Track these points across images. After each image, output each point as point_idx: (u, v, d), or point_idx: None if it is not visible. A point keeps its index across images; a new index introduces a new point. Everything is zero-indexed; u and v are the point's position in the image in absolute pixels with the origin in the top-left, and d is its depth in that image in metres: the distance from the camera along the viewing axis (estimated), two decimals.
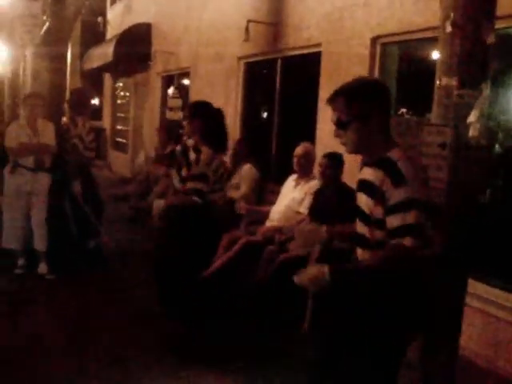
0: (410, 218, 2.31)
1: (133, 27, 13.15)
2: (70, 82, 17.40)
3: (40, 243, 6.05)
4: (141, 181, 9.63)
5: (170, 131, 10.35)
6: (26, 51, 8.78)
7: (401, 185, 2.33)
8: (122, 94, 16.68)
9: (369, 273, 2.44)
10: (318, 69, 6.65)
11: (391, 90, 5.86)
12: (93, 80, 18.31)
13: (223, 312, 5.08)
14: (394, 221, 2.34)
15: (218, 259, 5.79)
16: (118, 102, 16.97)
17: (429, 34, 5.03)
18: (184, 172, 4.72)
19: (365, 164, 2.61)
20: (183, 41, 11.13)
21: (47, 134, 6.04)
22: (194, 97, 10.77)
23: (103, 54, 13.77)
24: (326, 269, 2.42)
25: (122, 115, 16.35)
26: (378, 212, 2.41)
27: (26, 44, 7.83)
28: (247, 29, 7.52)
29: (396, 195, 2.33)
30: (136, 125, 14.66)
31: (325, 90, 6.39)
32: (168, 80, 12.53)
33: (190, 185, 4.61)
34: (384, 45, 5.81)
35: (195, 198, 4.55)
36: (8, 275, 5.92)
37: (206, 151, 4.58)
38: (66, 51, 7.17)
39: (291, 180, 5.95)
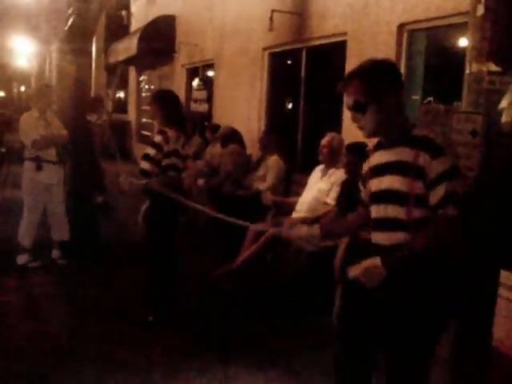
0: (453, 185, 2.35)
1: (157, 20, 13.16)
2: (95, 75, 17.55)
3: (59, 234, 6.32)
4: None
5: (194, 123, 10.40)
6: (51, 46, 8.83)
7: (441, 156, 2.35)
8: (146, 86, 16.74)
9: (423, 255, 2.41)
10: (344, 58, 6.57)
11: (419, 79, 5.77)
12: (117, 73, 18.45)
13: (252, 303, 5.14)
14: (438, 192, 2.35)
15: (245, 251, 5.81)
16: (143, 95, 17.03)
17: (457, 20, 4.92)
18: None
19: (383, 147, 2.57)
20: (207, 32, 11.11)
21: (57, 124, 6.23)
22: (218, 88, 10.76)
23: (127, 47, 13.85)
24: (378, 261, 2.41)
25: (147, 108, 16.38)
26: (419, 187, 2.38)
27: (51, 39, 7.88)
28: (271, 19, 7.47)
29: (438, 166, 2.34)
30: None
31: None
32: (193, 72, 12.53)
33: (165, 162, 4.64)
34: (411, 32, 5.70)
35: (171, 173, 4.65)
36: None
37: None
38: (91, 46, 7.18)
39: (318, 170, 5.88)
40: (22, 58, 26.35)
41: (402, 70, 5.67)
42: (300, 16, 7.39)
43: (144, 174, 4.58)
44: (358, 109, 2.48)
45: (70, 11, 6.81)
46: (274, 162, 7.01)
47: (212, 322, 4.76)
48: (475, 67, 3.01)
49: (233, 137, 8.02)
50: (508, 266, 3.54)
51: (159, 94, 5.22)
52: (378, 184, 2.56)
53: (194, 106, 12.22)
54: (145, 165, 4.58)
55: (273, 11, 7.54)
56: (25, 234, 6.10)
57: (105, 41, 17.07)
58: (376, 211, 2.59)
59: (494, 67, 2.97)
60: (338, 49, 6.71)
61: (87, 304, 5.10)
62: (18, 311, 4.99)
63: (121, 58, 14.60)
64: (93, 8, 7.31)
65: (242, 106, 9.35)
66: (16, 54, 25.22)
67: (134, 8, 17.09)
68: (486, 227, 2.92)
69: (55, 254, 6.33)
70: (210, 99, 11.22)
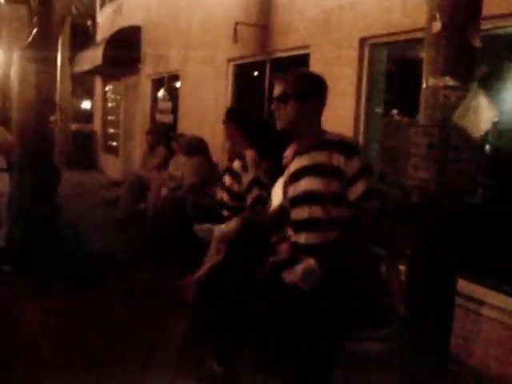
0: (369, 182, 2.61)
1: (122, 30, 13.12)
2: (61, 85, 17.33)
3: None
4: (131, 183, 9.57)
5: (159, 134, 10.38)
6: (13, 54, 8.73)
7: (354, 155, 2.59)
8: (112, 96, 16.63)
9: (353, 250, 2.63)
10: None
11: (380, 91, 5.87)
12: (83, 83, 18.30)
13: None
14: (358, 188, 2.58)
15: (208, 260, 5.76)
16: (109, 105, 16.91)
17: (416, 35, 5.03)
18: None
19: (298, 154, 2.79)
20: (173, 43, 11.11)
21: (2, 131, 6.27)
22: (183, 99, 10.75)
23: (93, 57, 13.73)
24: (313, 262, 2.52)
25: (113, 118, 16.30)
26: (335, 186, 2.58)
27: (13, 47, 7.80)
28: (235, 30, 7.51)
29: (353, 165, 2.57)
30: (126, 128, 14.62)
31: None
32: (158, 83, 12.49)
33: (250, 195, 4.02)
34: (372, 46, 5.81)
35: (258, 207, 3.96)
36: None
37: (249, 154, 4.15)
38: (55, 55, 7.12)
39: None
40: None
41: (364, 82, 5.77)
42: (264, 28, 7.45)
43: (221, 206, 4.18)
44: (281, 99, 2.72)
45: (34, 20, 6.75)
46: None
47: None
48: (431, 82, 3.08)
49: (198, 147, 8.02)
50: (463, 276, 3.62)
51: (235, 110, 4.73)
52: (294, 189, 2.74)
53: (159, 117, 12.18)
54: (221, 195, 4.20)
55: (237, 23, 7.58)
56: None
57: (70, 50, 16.90)
58: (295, 214, 2.75)
59: (450, 82, 3.04)
60: (302, 62, 6.78)
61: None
62: None
63: (86, 67, 14.48)
64: (56, 16, 7.28)
65: (208, 118, 9.36)
66: None
67: (100, 18, 17.00)
68: (442, 237, 2.98)
69: None
70: (175, 110, 11.20)
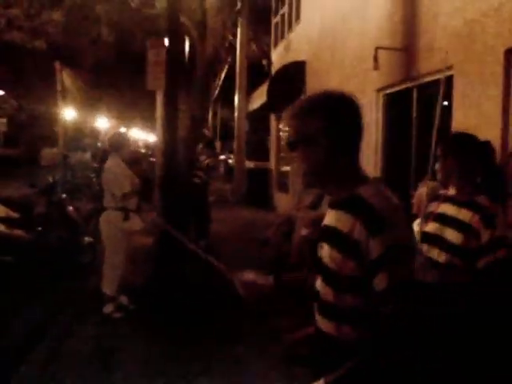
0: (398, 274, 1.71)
1: (287, 65, 12.97)
2: (237, 123, 17.83)
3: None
4: (280, 223, 9.15)
5: None
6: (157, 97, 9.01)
7: (380, 233, 1.70)
8: (285, 133, 16.55)
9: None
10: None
11: None
12: (258, 120, 18.59)
13: None
14: (380, 281, 1.71)
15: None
16: (282, 142, 16.86)
17: None
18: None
19: (329, 205, 1.96)
20: (332, 75, 10.59)
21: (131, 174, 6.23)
22: None
23: (261, 94, 13.80)
24: None
25: (285, 155, 16.18)
26: (350, 268, 1.76)
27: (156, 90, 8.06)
28: (375, 57, 6.74)
29: (376, 246, 1.70)
30: (292, 165, 14.34)
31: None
32: None
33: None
34: None
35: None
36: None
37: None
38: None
39: (415, 225, 5.04)
40: None
41: None
42: (406, 51, 6.57)
43: (448, 267, 2.86)
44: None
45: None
46: None
47: None
48: None
49: None
50: None
51: (458, 138, 3.14)
52: (321, 251, 1.93)
53: None
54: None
55: (377, 48, 6.81)
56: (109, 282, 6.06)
57: (248, 89, 17.35)
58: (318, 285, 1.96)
59: None
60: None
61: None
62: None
63: (256, 105, 14.60)
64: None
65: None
66: None
67: (273, 56, 17.17)
68: None
69: (123, 299, 6.20)
70: None
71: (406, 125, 7.02)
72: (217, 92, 23.64)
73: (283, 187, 16.30)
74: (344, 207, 1.82)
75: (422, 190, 4.90)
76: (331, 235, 1.85)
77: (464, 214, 2.86)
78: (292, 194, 14.40)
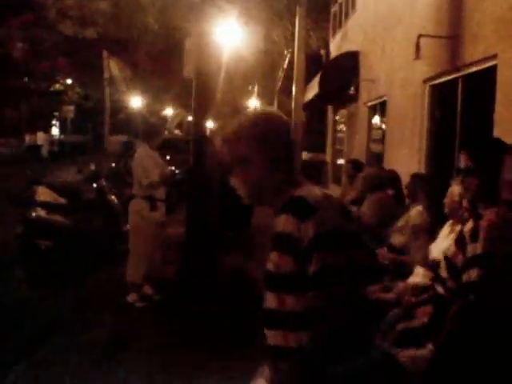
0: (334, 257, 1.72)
1: (339, 56, 12.66)
2: (294, 114, 17.49)
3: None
4: None
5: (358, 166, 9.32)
6: None
7: (309, 217, 1.71)
8: (341, 126, 16.20)
9: None
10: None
11: None
12: (315, 112, 18.24)
13: None
14: (312, 265, 1.72)
15: None
16: (339, 135, 16.51)
17: None
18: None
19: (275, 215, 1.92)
20: (381, 66, 10.21)
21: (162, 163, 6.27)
22: (388, 127, 9.77)
23: (314, 85, 13.53)
24: None
25: (340, 148, 15.86)
26: (286, 263, 1.75)
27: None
28: (418, 45, 6.36)
29: (307, 231, 1.70)
30: (348, 158, 14.01)
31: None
32: (373, 109, 11.62)
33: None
34: None
35: None
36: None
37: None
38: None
39: (448, 224, 4.69)
40: None
41: None
42: (452, 39, 6.17)
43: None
44: (238, 165, 1.95)
45: None
46: (415, 213, 5.85)
47: None
48: None
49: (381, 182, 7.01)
50: None
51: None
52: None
53: (372, 147, 11.35)
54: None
55: (419, 36, 6.41)
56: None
57: (305, 80, 17.05)
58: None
59: None
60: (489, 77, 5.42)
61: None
62: None
63: (310, 96, 14.29)
64: None
65: (405, 148, 8.24)
66: None
67: (332, 46, 16.80)
68: None
69: (147, 289, 6.16)
70: (382, 139, 10.25)
71: (451, 118, 6.64)
72: (279, 84, 23.38)
73: (338, 180, 16.00)
74: (280, 210, 1.81)
75: (455, 188, 4.53)
76: (272, 240, 1.83)
77: None
78: (344, 187, 14.11)
